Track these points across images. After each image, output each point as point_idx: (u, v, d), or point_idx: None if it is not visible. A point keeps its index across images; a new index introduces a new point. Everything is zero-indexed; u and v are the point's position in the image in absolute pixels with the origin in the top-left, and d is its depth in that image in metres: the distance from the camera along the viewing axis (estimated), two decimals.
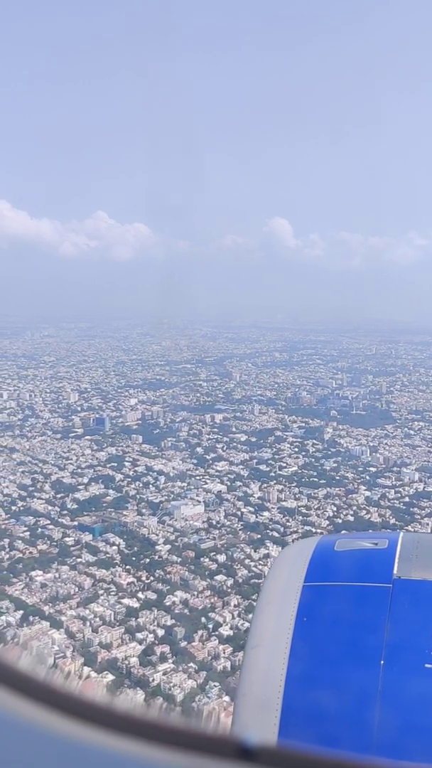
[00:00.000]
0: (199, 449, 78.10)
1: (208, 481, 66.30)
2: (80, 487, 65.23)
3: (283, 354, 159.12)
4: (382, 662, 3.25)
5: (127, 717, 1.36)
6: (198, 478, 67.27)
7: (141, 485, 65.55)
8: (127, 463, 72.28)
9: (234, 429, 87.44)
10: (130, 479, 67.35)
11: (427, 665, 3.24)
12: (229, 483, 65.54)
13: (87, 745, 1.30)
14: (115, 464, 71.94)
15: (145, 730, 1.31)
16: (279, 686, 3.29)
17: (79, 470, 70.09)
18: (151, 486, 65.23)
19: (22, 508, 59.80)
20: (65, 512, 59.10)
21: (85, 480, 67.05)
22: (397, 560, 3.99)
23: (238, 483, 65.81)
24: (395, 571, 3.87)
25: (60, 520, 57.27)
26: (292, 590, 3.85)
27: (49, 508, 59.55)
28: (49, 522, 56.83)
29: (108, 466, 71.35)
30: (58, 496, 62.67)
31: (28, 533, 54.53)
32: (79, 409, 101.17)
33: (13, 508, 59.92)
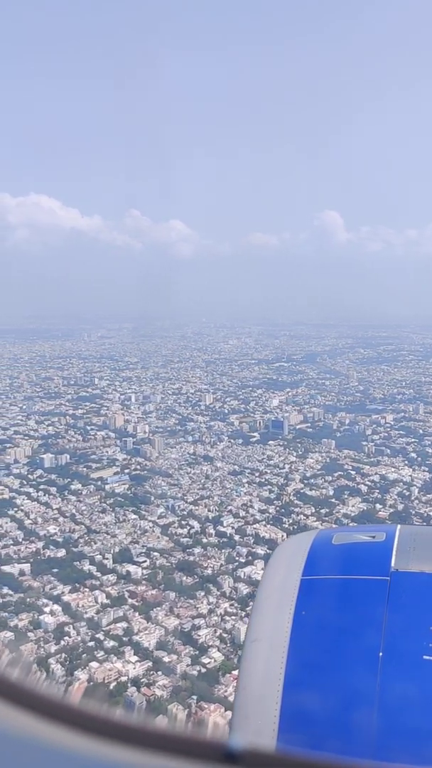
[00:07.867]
0: (412, 454, 70.62)
1: None
2: (332, 500, 57.36)
3: (366, 350, 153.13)
4: (380, 654, 3.18)
5: (111, 722, 1.34)
6: None
7: (398, 498, 57.75)
8: (351, 472, 64.55)
9: (421, 431, 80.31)
10: (377, 490, 59.52)
11: (425, 657, 3.16)
12: None
13: (72, 752, 1.28)
14: (340, 473, 64.15)
15: (130, 735, 1.30)
16: (278, 679, 3.23)
17: (308, 480, 62.24)
18: (413, 499, 57.48)
19: (295, 526, 51.82)
20: None
21: (330, 492, 59.26)
22: (394, 553, 3.83)
23: None
24: (393, 564, 3.73)
25: None
26: (290, 584, 3.75)
27: (333, 526, 51.52)
28: None
29: (335, 475, 63.51)
30: (322, 511, 54.73)
31: None
32: (225, 411, 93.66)
33: (283, 525, 51.95)
